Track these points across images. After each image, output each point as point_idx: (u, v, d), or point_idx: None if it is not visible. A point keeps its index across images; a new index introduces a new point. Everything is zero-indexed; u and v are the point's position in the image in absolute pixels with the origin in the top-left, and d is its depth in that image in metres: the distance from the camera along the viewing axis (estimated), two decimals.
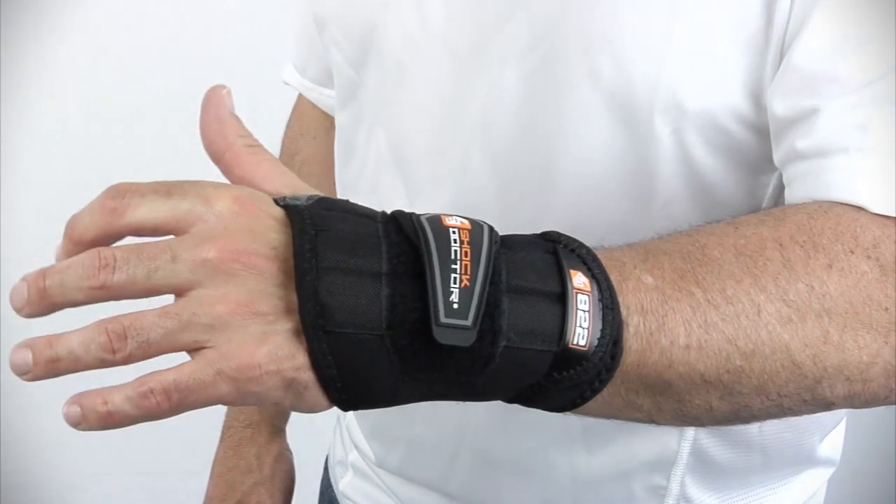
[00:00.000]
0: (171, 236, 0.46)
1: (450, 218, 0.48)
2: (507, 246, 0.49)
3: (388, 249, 0.46)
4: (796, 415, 0.54)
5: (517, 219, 0.69)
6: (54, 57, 1.67)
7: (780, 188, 0.65)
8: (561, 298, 0.48)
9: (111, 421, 0.45)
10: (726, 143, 0.65)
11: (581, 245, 0.50)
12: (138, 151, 1.71)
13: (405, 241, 0.47)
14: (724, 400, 0.52)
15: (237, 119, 0.50)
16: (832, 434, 0.83)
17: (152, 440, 1.76)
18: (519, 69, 0.68)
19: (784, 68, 0.61)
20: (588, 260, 0.50)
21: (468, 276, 0.46)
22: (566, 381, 0.48)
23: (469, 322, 0.45)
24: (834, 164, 0.57)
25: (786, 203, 0.60)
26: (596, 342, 0.48)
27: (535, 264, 0.48)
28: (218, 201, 0.46)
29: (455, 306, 0.45)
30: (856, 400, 0.54)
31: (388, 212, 0.49)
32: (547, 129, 0.68)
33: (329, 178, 0.94)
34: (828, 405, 0.54)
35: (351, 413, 0.95)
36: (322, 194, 0.49)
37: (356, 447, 0.94)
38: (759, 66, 0.62)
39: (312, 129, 1.06)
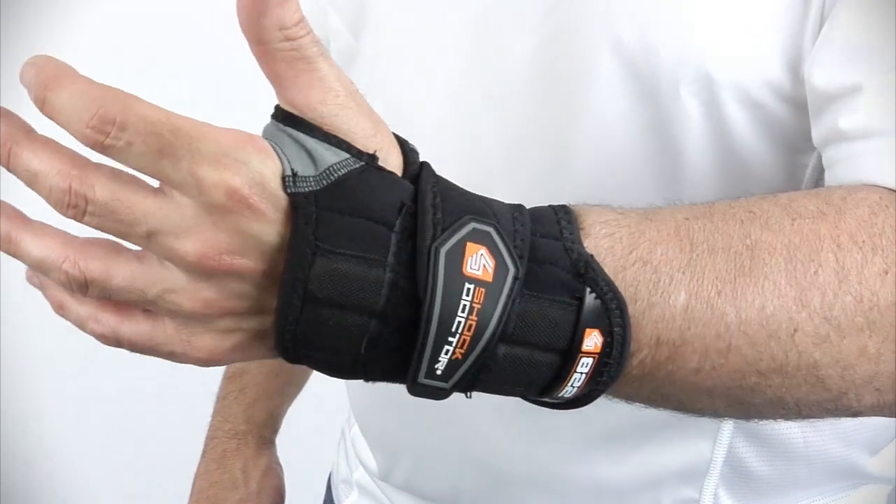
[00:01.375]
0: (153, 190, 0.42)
1: (475, 258, 0.43)
2: (528, 285, 0.44)
3: (389, 293, 0.42)
4: (817, 418, 0.52)
5: (529, 202, 0.65)
6: (55, 55, 1.67)
7: (820, 169, 0.61)
8: (563, 354, 0.44)
9: (59, 312, 0.45)
10: (761, 117, 0.60)
11: (616, 294, 0.45)
12: None
13: (410, 283, 0.42)
14: (733, 408, 0.50)
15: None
16: (889, 447, 0.76)
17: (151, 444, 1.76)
18: (533, 37, 0.64)
19: (824, 36, 0.56)
20: (613, 311, 0.45)
21: (463, 351, 0.43)
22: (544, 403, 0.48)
23: (448, 386, 0.44)
24: (880, 148, 0.52)
25: (826, 185, 0.56)
26: (586, 391, 0.46)
27: (550, 320, 0.44)
28: (211, 191, 0.41)
29: (438, 372, 0.43)
30: (885, 410, 0.50)
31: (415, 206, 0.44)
32: (561, 102, 0.63)
33: None
34: (853, 414, 0.51)
35: (356, 428, 0.89)
36: (351, 159, 0.43)
37: (362, 464, 0.88)
38: (798, 33, 0.57)
39: None
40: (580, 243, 0.46)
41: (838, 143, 0.55)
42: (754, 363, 0.47)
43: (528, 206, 0.62)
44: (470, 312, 0.42)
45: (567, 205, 0.48)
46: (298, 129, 0.43)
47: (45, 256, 0.42)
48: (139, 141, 0.40)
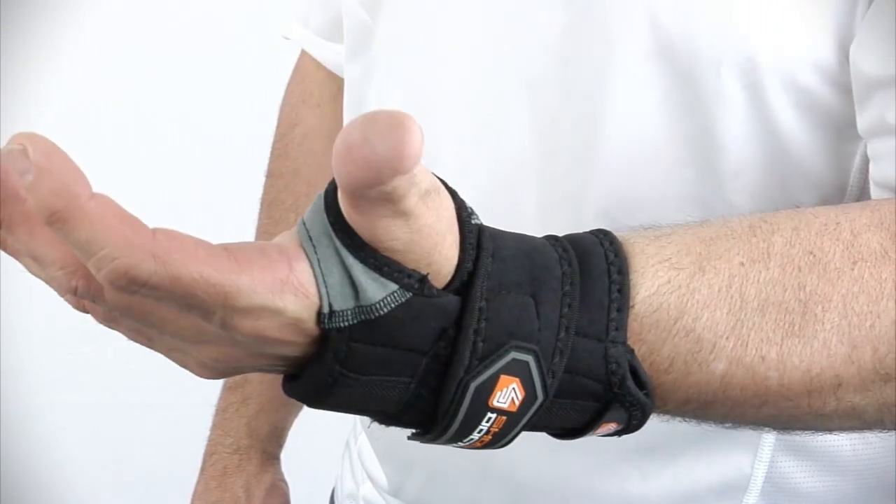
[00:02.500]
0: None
1: (504, 392, 0.42)
2: (555, 393, 0.43)
3: (408, 401, 0.42)
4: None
5: (558, 193, 0.62)
6: (55, 55, 1.68)
7: (868, 158, 0.58)
8: (575, 431, 0.45)
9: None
10: (807, 103, 0.57)
11: (642, 404, 0.44)
12: (139, 150, 1.72)
13: (432, 395, 0.42)
14: (747, 427, 0.49)
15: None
16: None
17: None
18: (562, 15, 0.61)
19: (873, 13, 0.53)
20: (635, 414, 0.45)
21: (479, 443, 0.43)
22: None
23: (458, 441, 0.43)
24: None
25: (870, 178, 0.54)
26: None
27: (567, 417, 0.44)
28: (241, 334, 0.39)
29: (450, 438, 0.43)
30: None
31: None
32: (592, 85, 0.60)
33: None
34: (884, 430, 0.50)
35: (363, 437, 0.86)
36: (398, 291, 0.39)
37: (369, 477, 0.84)
38: (850, 8, 0.54)
39: (316, 94, 0.94)
40: (624, 339, 0.44)
41: (885, 136, 0.53)
42: (788, 411, 0.47)
43: (555, 201, 0.60)
44: (486, 433, 0.43)
45: (624, 259, 0.45)
46: (350, 252, 0.39)
47: (53, 279, 0.39)
48: (168, 297, 0.37)
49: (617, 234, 0.46)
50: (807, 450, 0.66)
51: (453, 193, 0.42)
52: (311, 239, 0.39)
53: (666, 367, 0.45)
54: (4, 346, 1.69)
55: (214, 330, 0.38)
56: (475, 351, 0.41)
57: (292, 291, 0.38)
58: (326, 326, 0.39)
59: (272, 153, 0.96)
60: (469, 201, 0.66)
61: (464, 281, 0.41)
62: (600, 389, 0.44)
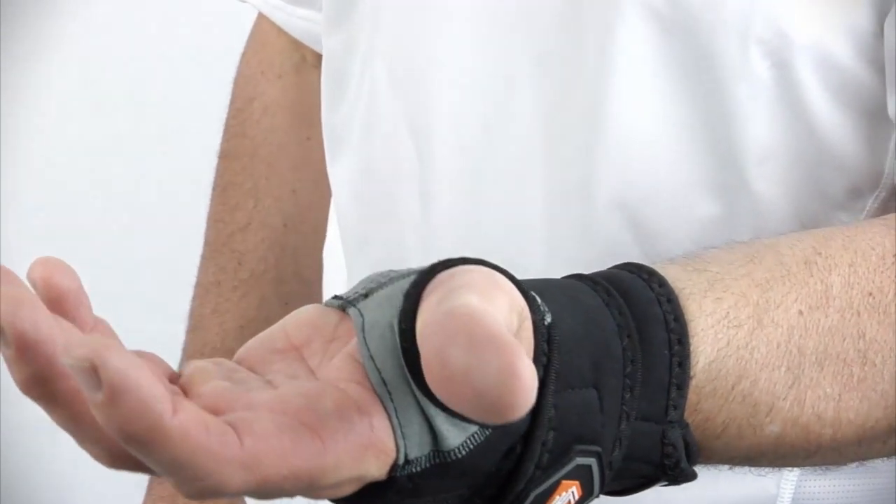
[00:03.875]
0: None
1: (563, 496, 0.39)
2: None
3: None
4: None
5: (566, 181, 0.59)
6: (55, 56, 1.65)
7: None
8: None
9: None
10: (840, 83, 0.54)
11: (688, 474, 0.42)
12: (138, 151, 1.68)
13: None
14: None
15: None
16: None
17: None
18: None
19: None
20: (679, 480, 0.42)
21: None
22: None
23: None
24: None
25: None
26: None
27: (615, 487, 0.42)
28: (317, 497, 0.35)
29: None
30: None
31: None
32: (601, 60, 0.56)
33: (299, 131, 0.82)
34: None
35: None
36: (477, 432, 0.36)
37: None
38: None
39: (277, 64, 0.85)
40: (682, 417, 0.42)
41: None
42: (833, 459, 0.46)
43: (562, 191, 0.57)
44: None
45: (684, 325, 0.42)
46: (432, 401, 0.35)
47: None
48: (253, 492, 0.34)
49: (668, 277, 0.43)
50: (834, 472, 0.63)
51: (525, 293, 0.37)
52: (385, 383, 0.35)
53: (718, 433, 0.43)
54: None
55: None
56: (540, 462, 0.38)
57: (374, 453, 0.34)
58: (398, 474, 0.35)
59: (226, 131, 0.86)
60: (466, 190, 0.60)
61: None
62: (652, 471, 0.42)
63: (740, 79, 0.54)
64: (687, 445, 0.42)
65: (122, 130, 1.71)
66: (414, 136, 0.63)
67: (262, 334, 0.39)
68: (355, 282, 0.73)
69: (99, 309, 0.41)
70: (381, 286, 0.38)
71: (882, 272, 0.46)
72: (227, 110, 0.87)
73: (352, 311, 0.37)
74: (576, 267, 0.58)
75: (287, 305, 0.83)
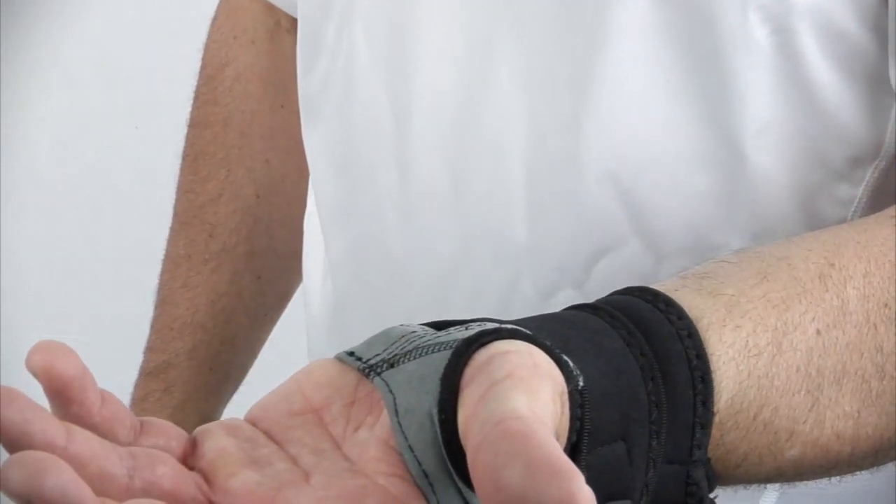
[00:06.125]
0: None
1: None
2: None
3: None
4: None
5: (551, 153, 0.57)
6: (56, 57, 1.66)
7: None
8: None
9: None
10: (842, 49, 0.53)
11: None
12: (139, 152, 1.68)
13: None
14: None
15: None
16: None
17: None
18: None
19: None
20: None
21: None
22: None
23: None
24: None
25: None
26: None
27: None
28: None
29: None
30: None
31: None
32: (590, 23, 0.55)
33: (273, 99, 0.80)
34: None
35: None
36: None
37: None
38: None
39: (250, 29, 0.82)
40: (705, 456, 0.41)
41: None
42: (847, 472, 0.46)
43: (546, 166, 0.55)
44: None
45: (706, 361, 0.41)
46: (474, 490, 0.34)
47: None
48: None
49: (684, 305, 0.42)
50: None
51: (558, 360, 0.36)
52: (426, 476, 0.35)
53: (738, 463, 0.43)
54: (4, 345, 1.68)
55: None
56: None
57: None
58: None
59: (196, 99, 0.84)
60: (446, 159, 0.59)
61: (566, 452, 0.36)
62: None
63: (739, 45, 0.53)
64: (707, 479, 0.42)
65: (121, 131, 1.70)
66: (392, 103, 0.62)
67: (276, 392, 0.38)
68: (335, 255, 0.71)
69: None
70: (406, 354, 0.37)
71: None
72: (196, 77, 0.85)
73: (378, 383, 0.37)
74: (561, 240, 0.58)
75: (260, 279, 0.82)
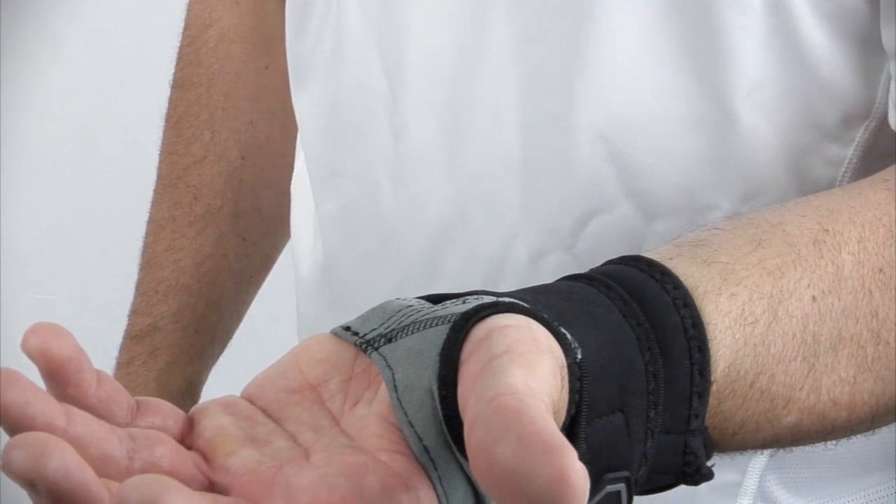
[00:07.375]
0: None
1: None
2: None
3: None
4: None
5: (543, 114, 0.57)
6: (56, 59, 1.66)
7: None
8: None
9: None
10: (834, 9, 0.53)
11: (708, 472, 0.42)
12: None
13: None
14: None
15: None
16: None
17: None
18: None
19: None
20: (704, 476, 0.42)
21: None
22: None
23: None
24: None
25: (890, 100, 0.51)
26: None
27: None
28: None
29: None
30: None
31: None
32: None
33: (257, 60, 0.79)
34: None
35: None
36: None
37: None
38: None
39: None
40: (703, 424, 0.41)
41: None
42: (844, 436, 0.47)
43: (537, 124, 0.56)
44: None
45: (703, 330, 0.41)
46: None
47: None
48: None
49: (679, 274, 0.42)
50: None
51: (555, 332, 0.36)
52: (427, 451, 0.34)
53: (736, 431, 0.44)
54: (5, 345, 1.67)
55: None
56: None
57: None
58: None
59: (179, 60, 0.83)
60: (439, 121, 0.59)
61: (565, 425, 0.37)
62: (673, 479, 0.42)
63: (731, 5, 0.52)
64: (705, 448, 0.42)
65: (121, 131, 1.68)
66: (385, 65, 0.62)
67: (272, 368, 0.38)
68: (325, 215, 0.70)
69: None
70: (403, 329, 0.36)
71: (891, 245, 0.46)
72: (179, 38, 0.84)
73: (376, 358, 0.36)
74: (553, 201, 0.57)
75: (245, 241, 0.81)
